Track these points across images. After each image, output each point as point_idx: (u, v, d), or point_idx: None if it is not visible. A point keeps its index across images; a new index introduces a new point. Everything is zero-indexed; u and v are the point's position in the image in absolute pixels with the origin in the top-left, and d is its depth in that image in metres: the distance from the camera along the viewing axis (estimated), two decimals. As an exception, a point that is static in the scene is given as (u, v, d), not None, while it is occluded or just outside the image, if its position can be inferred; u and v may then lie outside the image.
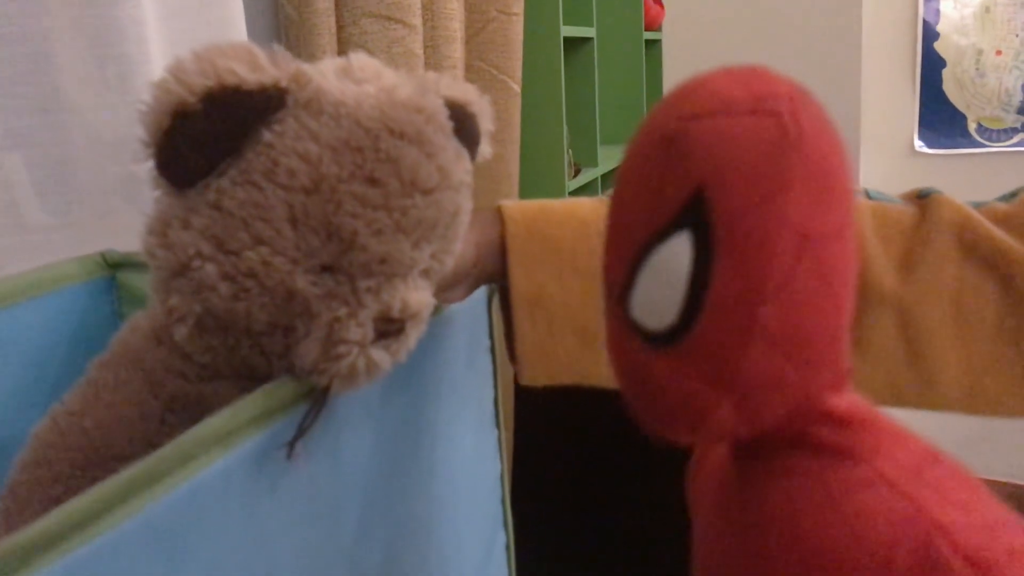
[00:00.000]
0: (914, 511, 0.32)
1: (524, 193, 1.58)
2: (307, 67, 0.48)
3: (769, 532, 0.35)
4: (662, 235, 0.33)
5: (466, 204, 0.54)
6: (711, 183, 0.31)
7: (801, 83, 0.33)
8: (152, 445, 0.41)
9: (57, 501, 0.42)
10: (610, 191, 0.38)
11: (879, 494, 0.33)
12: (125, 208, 0.85)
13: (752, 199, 0.31)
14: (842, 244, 0.33)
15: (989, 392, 0.68)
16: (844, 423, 0.35)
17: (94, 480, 0.37)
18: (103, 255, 0.74)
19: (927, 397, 0.69)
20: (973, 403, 0.69)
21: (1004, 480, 2.87)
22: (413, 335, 0.51)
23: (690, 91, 0.33)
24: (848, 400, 0.35)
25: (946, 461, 0.34)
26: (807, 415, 0.34)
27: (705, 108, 0.32)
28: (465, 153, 0.53)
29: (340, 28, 1.11)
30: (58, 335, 0.69)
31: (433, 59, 1.23)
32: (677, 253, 0.32)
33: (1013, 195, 0.72)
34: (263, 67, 0.45)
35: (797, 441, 0.35)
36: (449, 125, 0.51)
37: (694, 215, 0.32)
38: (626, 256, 0.35)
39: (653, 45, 2.76)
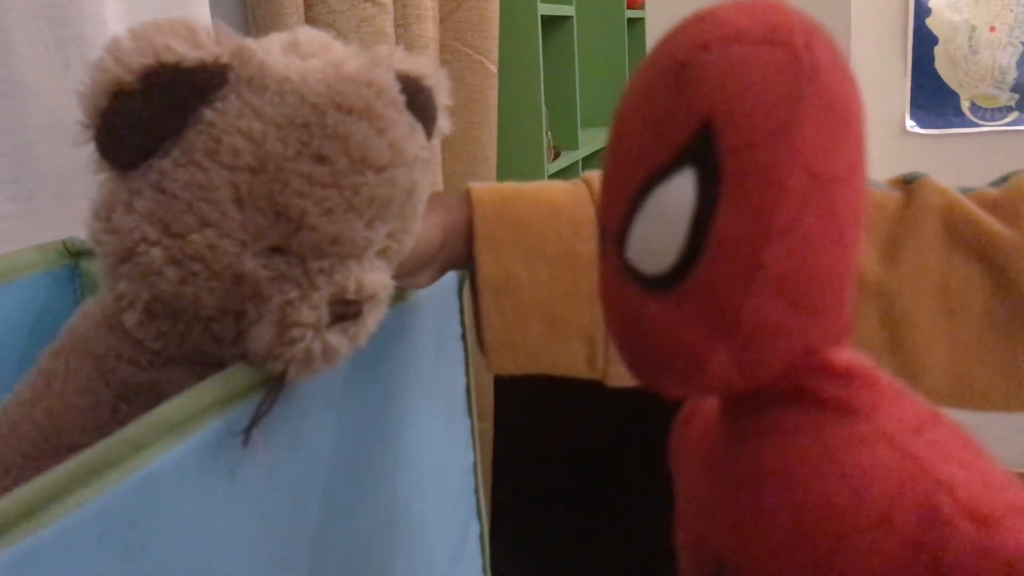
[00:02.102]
0: (915, 468, 0.31)
1: (502, 177, 1.58)
2: (250, 42, 0.47)
3: (763, 490, 0.35)
4: (665, 172, 0.32)
5: (422, 181, 0.54)
6: (719, 116, 0.31)
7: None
8: (104, 434, 0.40)
9: (6, 493, 0.42)
10: (604, 144, 0.37)
11: (879, 450, 0.32)
12: (87, 194, 0.84)
13: (762, 133, 0.30)
14: (853, 188, 0.32)
15: (977, 385, 0.68)
16: (844, 378, 0.34)
17: (45, 471, 0.37)
18: (65, 243, 0.73)
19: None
20: (960, 397, 0.68)
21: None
22: (372, 318, 0.51)
23: (699, 21, 0.32)
24: (848, 355, 0.35)
25: (946, 421, 0.34)
26: (806, 368, 0.34)
27: (715, 37, 0.31)
28: (420, 128, 0.53)
29: (308, 7, 1.10)
30: (18, 326, 0.68)
31: (404, 39, 1.22)
32: (680, 191, 0.32)
33: (1004, 180, 0.71)
34: (203, 43, 0.45)
35: (794, 395, 0.35)
36: (401, 99, 0.51)
37: (700, 150, 0.31)
38: (625, 196, 0.34)
39: (636, 23, 2.75)
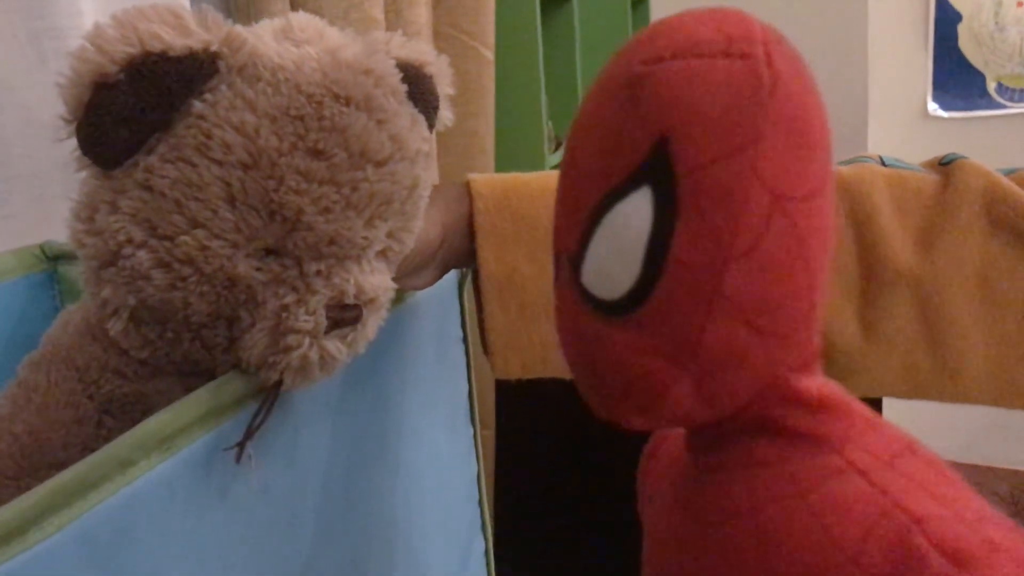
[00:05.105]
0: (887, 503, 0.32)
1: (500, 169, 1.57)
2: (241, 29, 0.47)
3: (731, 527, 0.35)
4: (620, 192, 0.32)
5: (425, 176, 0.53)
6: (676, 132, 0.31)
7: (798, 40, 0.33)
8: (89, 450, 0.41)
9: (-15, 513, 0.42)
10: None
11: (850, 485, 0.33)
12: (66, 195, 0.84)
13: (721, 150, 0.30)
14: (818, 206, 0.32)
15: (1019, 382, 0.67)
16: (812, 407, 0.34)
17: (26, 489, 0.37)
18: (42, 247, 0.73)
19: (949, 388, 0.67)
20: (1001, 394, 0.67)
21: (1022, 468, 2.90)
22: (372, 324, 0.51)
23: (656, 33, 0.33)
24: (817, 383, 0.34)
25: (922, 451, 0.34)
26: (772, 397, 0.34)
27: (672, 50, 0.32)
28: (422, 119, 0.53)
29: (293, -7, 1.10)
30: (-6, 334, 0.68)
31: (396, 25, 1.22)
32: (636, 212, 0.32)
33: None
34: (191, 30, 0.44)
35: (761, 427, 0.35)
36: (402, 88, 0.51)
37: (656, 169, 0.31)
38: (579, 217, 0.34)
39: (640, 5, 2.75)
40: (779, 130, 0.31)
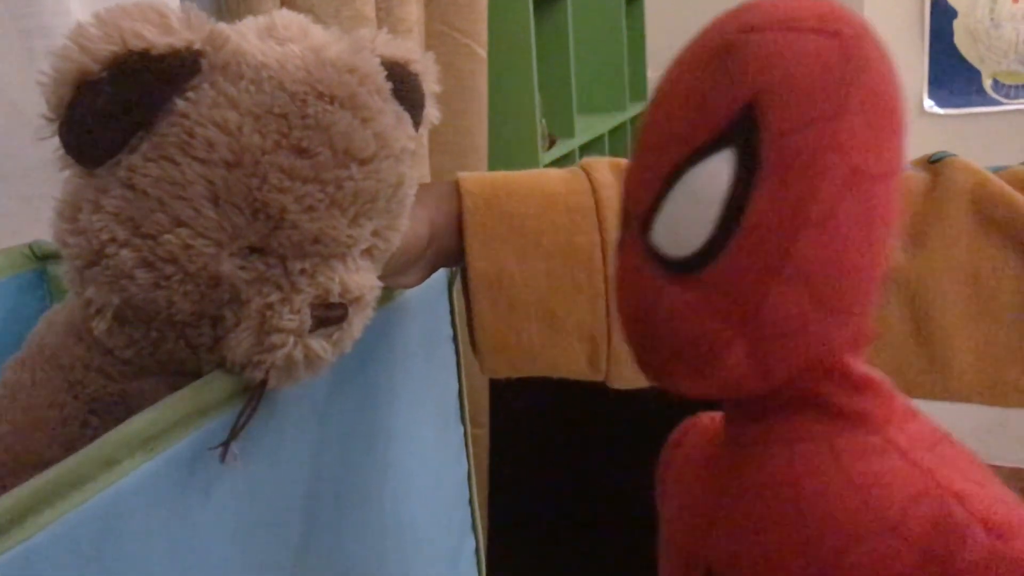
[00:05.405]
0: (928, 480, 0.32)
1: (494, 167, 1.58)
2: (224, 27, 0.47)
3: (766, 495, 0.36)
4: (702, 153, 0.33)
5: (410, 174, 0.53)
6: (766, 97, 0.32)
7: None
8: (74, 450, 0.40)
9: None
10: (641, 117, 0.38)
11: (892, 463, 0.33)
12: (55, 194, 0.84)
13: (807, 118, 0.31)
14: (889, 187, 0.33)
15: (1010, 381, 0.67)
16: (859, 388, 0.35)
17: (10, 489, 0.37)
18: (31, 247, 0.73)
19: (940, 386, 0.68)
20: (992, 393, 0.68)
21: (1021, 467, 2.90)
22: (358, 322, 0.51)
23: (752, 6, 0.34)
24: (864, 366, 0.35)
25: (957, 443, 0.35)
26: (821, 374, 0.35)
27: (767, 21, 0.33)
28: (407, 117, 0.53)
29: (284, -10, 1.10)
30: (-17, 335, 0.68)
31: (387, 22, 1.22)
32: (716, 172, 0.33)
33: None
34: (174, 28, 0.44)
35: (805, 402, 0.36)
36: (387, 86, 0.51)
37: (742, 132, 0.32)
38: (655, 177, 0.35)
39: (634, 2, 2.75)
40: (863, 108, 0.32)
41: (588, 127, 2.21)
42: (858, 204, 0.32)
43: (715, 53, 0.34)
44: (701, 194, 0.33)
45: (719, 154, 0.33)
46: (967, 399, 0.68)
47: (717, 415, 0.44)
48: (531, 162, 1.71)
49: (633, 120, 2.65)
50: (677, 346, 0.35)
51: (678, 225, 0.34)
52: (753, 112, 0.32)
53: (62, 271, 0.50)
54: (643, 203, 0.36)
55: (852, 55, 0.32)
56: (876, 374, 0.35)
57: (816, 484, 0.34)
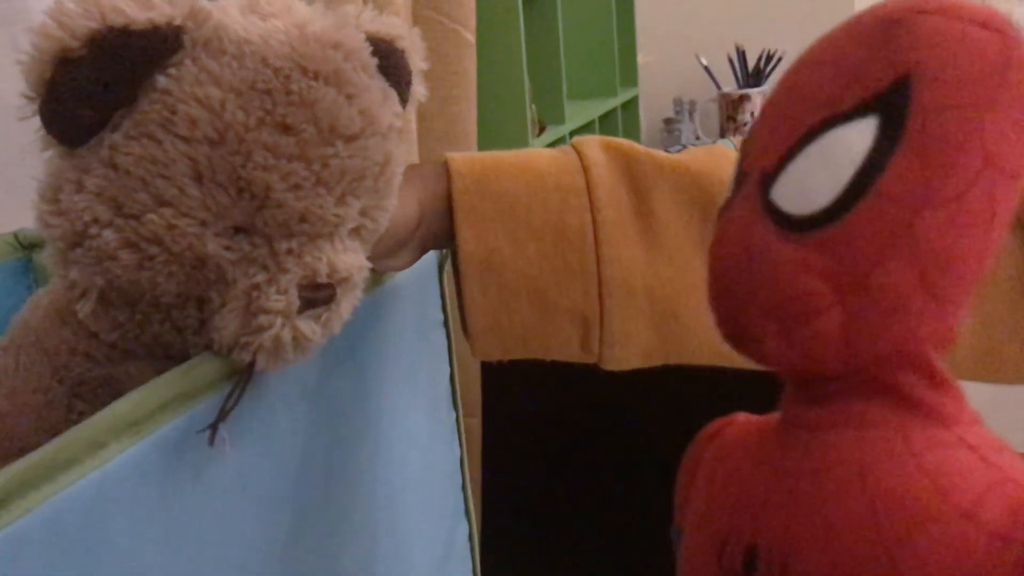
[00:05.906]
0: (999, 474, 0.33)
1: (483, 154, 1.57)
2: (206, 3, 0.47)
3: (830, 477, 0.36)
4: (844, 117, 0.35)
5: (398, 152, 0.53)
6: (922, 72, 0.33)
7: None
8: (59, 434, 0.40)
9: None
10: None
11: (965, 456, 0.34)
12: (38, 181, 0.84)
13: (959, 100, 0.33)
14: (1013, 186, 0.34)
15: (1007, 358, 0.67)
16: (937, 384, 0.36)
17: (-5, 475, 0.37)
18: (16, 235, 0.73)
19: None
20: (987, 369, 0.68)
21: (1020, 452, 2.91)
22: (346, 304, 0.51)
23: None
24: (942, 364, 0.36)
25: (1015, 452, 0.36)
26: (905, 362, 0.35)
27: (939, 7, 0.34)
28: (393, 94, 0.53)
29: (267, -25, 1.10)
30: (-32, 324, 0.68)
31: (373, 5, 1.21)
32: (857, 137, 0.34)
33: None
34: (154, 4, 0.44)
35: (880, 390, 0.36)
36: (372, 62, 0.51)
37: (891, 102, 0.34)
38: (791, 136, 0.36)
39: (624, -12, 2.75)
40: (1012, 106, 0.33)
41: (578, 113, 2.20)
42: (985, 196, 0.33)
43: (880, 25, 0.35)
44: (837, 156, 0.35)
45: (863, 120, 0.34)
46: (964, 377, 0.68)
47: (753, 416, 0.45)
48: (520, 147, 1.70)
49: (624, 106, 2.64)
50: (775, 302, 0.36)
51: (805, 184, 0.35)
52: (907, 86, 0.33)
53: (46, 255, 0.50)
54: (769, 160, 0.37)
55: (1012, 54, 0.33)
56: (951, 374, 0.36)
57: (887, 469, 0.35)
